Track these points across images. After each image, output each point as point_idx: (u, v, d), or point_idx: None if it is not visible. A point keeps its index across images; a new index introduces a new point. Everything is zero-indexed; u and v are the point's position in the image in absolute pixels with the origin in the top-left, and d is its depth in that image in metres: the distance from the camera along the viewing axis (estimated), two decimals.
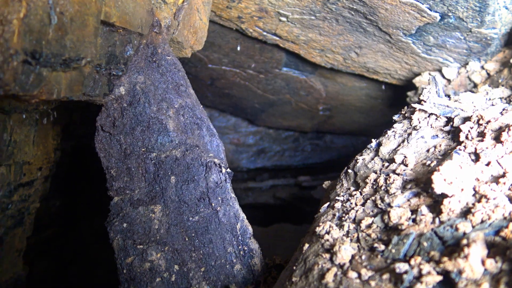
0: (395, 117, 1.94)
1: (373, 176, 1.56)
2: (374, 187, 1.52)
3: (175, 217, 1.75)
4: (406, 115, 1.92)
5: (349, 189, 1.64)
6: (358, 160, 1.74)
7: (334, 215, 1.49)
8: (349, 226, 1.35)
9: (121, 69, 1.60)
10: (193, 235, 1.73)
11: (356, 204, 1.48)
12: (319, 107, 5.16)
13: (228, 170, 1.77)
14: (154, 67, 1.91)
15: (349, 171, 1.73)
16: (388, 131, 1.78)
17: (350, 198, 1.53)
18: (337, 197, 1.61)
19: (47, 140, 3.27)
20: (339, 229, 1.36)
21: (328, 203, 1.65)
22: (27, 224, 3.09)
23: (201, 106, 2.02)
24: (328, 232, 1.37)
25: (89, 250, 4.73)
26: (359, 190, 1.57)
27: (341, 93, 4.67)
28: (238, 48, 3.91)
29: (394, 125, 1.80)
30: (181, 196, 1.77)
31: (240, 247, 1.74)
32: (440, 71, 2.65)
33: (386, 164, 1.61)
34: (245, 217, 1.77)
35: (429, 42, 2.40)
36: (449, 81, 2.57)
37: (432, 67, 2.70)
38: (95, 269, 4.62)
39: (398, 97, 4.16)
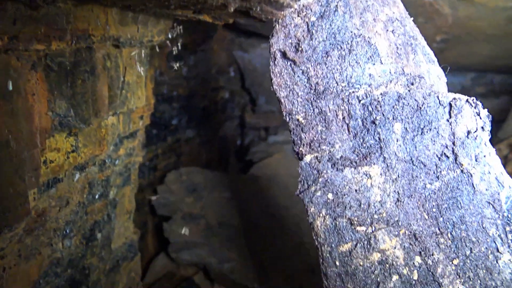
0: None
1: None
2: None
3: (407, 184, 1.16)
4: None
5: None
6: None
7: None
8: None
9: None
10: (434, 210, 1.15)
11: None
12: (437, 38, 4.32)
13: (486, 111, 1.15)
14: None
15: None
16: None
17: None
18: None
19: (147, 82, 2.75)
20: None
21: None
22: (133, 181, 2.67)
23: (411, 18, 1.37)
24: None
25: None
26: None
27: (473, 18, 3.82)
28: None
29: None
30: (412, 152, 1.17)
31: (508, 229, 1.15)
32: None
33: None
34: None
35: None
36: None
37: None
38: None
39: None
